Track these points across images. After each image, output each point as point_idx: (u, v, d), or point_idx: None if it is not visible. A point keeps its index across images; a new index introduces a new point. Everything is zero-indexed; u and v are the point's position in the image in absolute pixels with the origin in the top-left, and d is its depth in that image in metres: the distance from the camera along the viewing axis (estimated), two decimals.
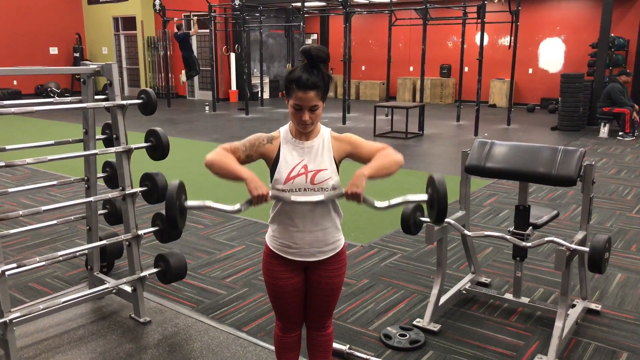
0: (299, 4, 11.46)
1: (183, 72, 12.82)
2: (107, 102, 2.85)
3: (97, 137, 3.06)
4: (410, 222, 2.86)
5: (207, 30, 13.10)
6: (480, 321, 3.05)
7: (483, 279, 3.52)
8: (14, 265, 2.55)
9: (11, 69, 2.67)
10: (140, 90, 3.00)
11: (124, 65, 16.71)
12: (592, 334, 2.91)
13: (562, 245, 2.58)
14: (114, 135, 2.91)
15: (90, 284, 3.30)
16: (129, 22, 16.17)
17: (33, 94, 15.68)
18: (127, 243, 2.99)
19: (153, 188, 2.95)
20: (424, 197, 1.93)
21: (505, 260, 3.88)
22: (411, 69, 15.37)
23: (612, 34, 11.02)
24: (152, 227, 3.04)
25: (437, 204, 1.87)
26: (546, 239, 2.75)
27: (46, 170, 6.66)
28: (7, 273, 2.49)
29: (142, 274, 2.96)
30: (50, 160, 2.71)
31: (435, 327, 2.93)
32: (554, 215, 3.16)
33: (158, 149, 2.95)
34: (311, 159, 1.92)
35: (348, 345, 2.73)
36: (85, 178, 3.10)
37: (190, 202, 1.91)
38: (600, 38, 10.41)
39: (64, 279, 3.59)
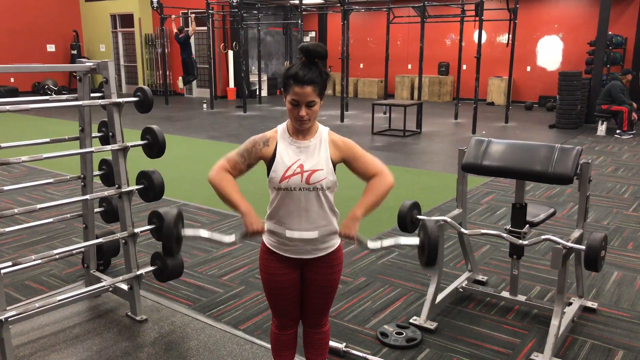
0: (297, 2, 11.45)
1: (180, 78, 12.82)
2: (103, 99, 2.84)
3: (93, 134, 3.06)
4: (407, 220, 2.86)
5: (205, 28, 13.08)
6: (477, 319, 3.05)
7: (480, 277, 3.53)
8: (10, 263, 2.55)
9: (8, 67, 2.65)
10: (136, 87, 2.99)
11: (122, 62, 16.67)
12: (588, 331, 2.92)
13: (559, 243, 2.59)
14: (110, 133, 2.90)
15: (87, 282, 3.29)
16: (126, 20, 16.13)
17: (30, 92, 15.65)
18: (123, 241, 2.98)
19: (149, 186, 2.95)
20: (415, 241, 2.01)
21: (502, 258, 3.89)
22: (409, 66, 15.36)
23: (610, 32, 11.03)
24: (148, 224, 3.04)
25: (428, 250, 1.95)
26: (543, 237, 2.75)
27: (42, 168, 6.65)
28: (2, 271, 2.48)
29: (138, 272, 2.96)
30: (46, 158, 2.70)
31: (431, 325, 2.93)
32: (550, 213, 3.16)
33: (154, 146, 2.94)
34: (307, 158, 1.91)
35: (345, 343, 2.73)
36: (82, 176, 3.09)
37: (187, 231, 1.98)
38: (598, 36, 10.41)
39: (60, 277, 3.59)
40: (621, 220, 4.80)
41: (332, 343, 2.67)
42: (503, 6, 10.42)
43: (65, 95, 2.89)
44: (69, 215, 3.16)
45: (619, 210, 5.09)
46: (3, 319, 2.47)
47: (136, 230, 2.97)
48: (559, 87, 10.14)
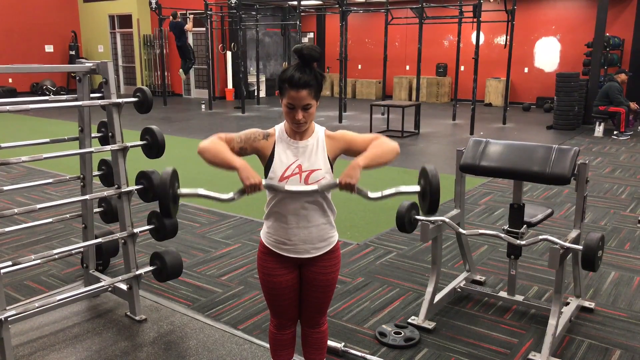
0: (295, 3, 11.46)
1: (181, 70, 12.80)
2: (103, 100, 2.85)
3: (92, 135, 3.06)
4: (405, 221, 2.87)
5: (204, 29, 13.08)
6: (475, 319, 3.07)
7: (478, 277, 3.54)
8: (9, 263, 2.55)
9: (6, 67, 2.66)
10: (135, 88, 3.00)
11: (120, 63, 16.66)
12: (585, 331, 2.93)
13: (556, 243, 2.60)
14: (110, 134, 2.91)
15: (86, 282, 3.30)
16: (124, 20, 16.12)
17: (29, 92, 15.63)
18: (122, 241, 2.99)
19: (149, 186, 2.95)
20: (416, 188, 1.94)
21: (500, 259, 3.90)
22: (407, 67, 15.38)
23: (607, 34, 11.07)
24: (147, 225, 3.05)
25: (430, 195, 1.87)
26: (540, 237, 2.76)
27: (42, 168, 6.65)
28: (2, 271, 2.49)
29: (137, 272, 2.96)
30: (45, 158, 2.70)
31: (430, 324, 2.94)
32: (548, 213, 3.17)
33: (154, 147, 2.95)
34: (305, 158, 1.93)
35: (343, 343, 2.74)
36: (81, 176, 3.10)
37: (183, 190, 1.92)
38: (595, 37, 10.45)
39: (59, 277, 3.59)
40: (618, 220, 4.82)
41: (330, 343, 2.68)
42: (501, 8, 10.45)
43: (65, 96, 2.89)
44: (68, 216, 3.16)
45: (616, 210, 5.11)
46: (2, 319, 2.47)
47: (135, 230, 2.98)
48: (557, 89, 10.17)
